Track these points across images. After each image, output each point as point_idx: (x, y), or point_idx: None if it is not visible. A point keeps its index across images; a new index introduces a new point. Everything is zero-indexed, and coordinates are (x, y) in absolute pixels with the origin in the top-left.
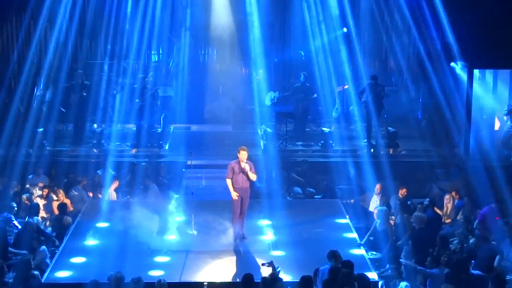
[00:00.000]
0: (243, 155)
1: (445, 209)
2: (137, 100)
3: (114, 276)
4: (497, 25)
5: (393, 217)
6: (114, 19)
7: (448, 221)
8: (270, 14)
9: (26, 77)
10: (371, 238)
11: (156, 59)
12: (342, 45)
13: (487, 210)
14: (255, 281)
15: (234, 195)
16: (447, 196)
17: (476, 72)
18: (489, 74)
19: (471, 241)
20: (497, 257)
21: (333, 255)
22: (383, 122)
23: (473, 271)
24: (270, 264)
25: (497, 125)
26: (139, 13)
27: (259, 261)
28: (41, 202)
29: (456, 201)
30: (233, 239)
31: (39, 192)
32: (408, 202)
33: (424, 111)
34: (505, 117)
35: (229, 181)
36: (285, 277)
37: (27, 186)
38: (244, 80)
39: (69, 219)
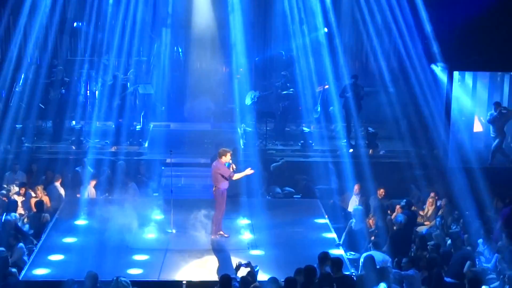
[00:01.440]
0: (228, 156)
1: (426, 210)
2: (117, 101)
3: (88, 275)
4: (477, 28)
5: (371, 217)
6: (95, 16)
7: (427, 223)
8: (251, 13)
9: (5, 73)
10: (347, 237)
11: (137, 57)
12: (323, 45)
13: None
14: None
15: (250, 171)
16: (430, 199)
17: (456, 74)
18: (468, 76)
19: (448, 242)
20: (467, 263)
21: (324, 257)
22: (363, 123)
23: (446, 278)
24: (248, 264)
25: (476, 127)
26: (121, 10)
27: (238, 261)
28: (19, 199)
29: (435, 202)
30: (214, 237)
31: (17, 189)
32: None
33: (403, 112)
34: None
35: (237, 175)
36: (264, 276)
37: (5, 183)
38: (224, 79)
39: (47, 216)
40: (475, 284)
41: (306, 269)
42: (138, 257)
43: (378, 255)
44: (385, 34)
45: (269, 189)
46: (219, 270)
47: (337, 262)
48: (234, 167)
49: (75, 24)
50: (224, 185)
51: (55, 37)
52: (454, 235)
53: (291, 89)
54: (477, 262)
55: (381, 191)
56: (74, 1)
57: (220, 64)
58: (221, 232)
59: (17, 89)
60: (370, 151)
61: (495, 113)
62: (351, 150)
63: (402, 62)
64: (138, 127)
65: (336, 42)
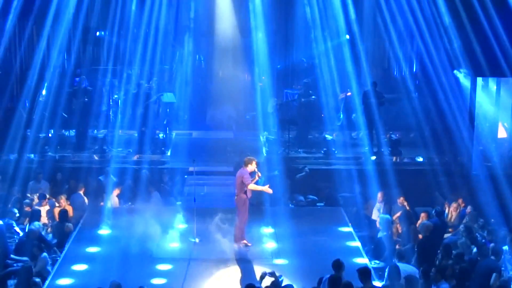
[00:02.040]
0: (254, 165)
1: (449, 217)
2: (141, 109)
3: (111, 284)
4: (500, 34)
5: (397, 225)
6: (118, 25)
7: (450, 230)
8: (273, 20)
9: (29, 83)
10: (373, 246)
11: (159, 65)
12: (346, 52)
13: None
14: None
15: (269, 189)
16: (454, 205)
17: (479, 80)
18: (492, 82)
19: (474, 250)
20: (493, 275)
21: (338, 265)
22: (386, 130)
23: None
24: (272, 274)
25: (501, 133)
26: (143, 19)
27: (262, 270)
28: (43, 209)
29: (460, 209)
30: (237, 246)
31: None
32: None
33: (427, 118)
34: None
35: (253, 185)
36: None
37: (28, 193)
38: (246, 86)
39: (70, 226)
40: None
41: (331, 278)
42: (162, 267)
43: (403, 266)
44: (407, 40)
45: (292, 197)
46: (242, 280)
47: (364, 271)
48: (260, 175)
49: (98, 33)
50: (247, 193)
51: (78, 46)
52: (479, 243)
53: (313, 96)
54: (503, 271)
55: (401, 199)
56: (97, 10)
57: (242, 71)
58: (245, 241)
59: (40, 99)
60: (394, 158)
61: None
62: (373, 158)
63: (425, 68)
64: (161, 135)
65: (358, 48)
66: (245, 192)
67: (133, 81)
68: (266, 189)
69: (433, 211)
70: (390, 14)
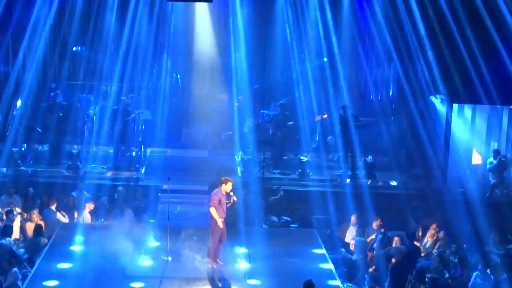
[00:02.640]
0: (230, 186)
1: (425, 240)
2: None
3: None
4: (478, 61)
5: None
6: (96, 41)
7: (423, 254)
8: (252, 41)
9: (4, 97)
10: (345, 268)
11: (136, 82)
12: (323, 74)
13: None
14: None
15: (221, 223)
16: (431, 230)
17: (455, 106)
18: (467, 108)
19: (446, 276)
20: None
21: (309, 285)
22: (361, 153)
23: None
24: None
25: (475, 159)
26: (122, 35)
27: None
28: (15, 224)
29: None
30: (210, 265)
31: (19, 210)
32: (388, 234)
33: (402, 142)
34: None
35: (214, 210)
36: None
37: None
38: (223, 106)
39: (45, 240)
40: None
41: None
42: (134, 285)
43: None
44: (385, 64)
45: (265, 218)
46: None
47: None
48: (235, 199)
49: (74, 48)
50: (220, 214)
51: (55, 60)
52: (451, 268)
53: (291, 122)
54: None
55: (378, 222)
56: (75, 25)
57: (219, 91)
58: (218, 260)
59: (15, 113)
60: (368, 181)
61: (495, 162)
62: (348, 180)
63: (402, 92)
64: (133, 153)
65: (336, 70)
66: (219, 212)
67: (110, 97)
68: (219, 222)
69: (406, 235)
70: (369, 38)
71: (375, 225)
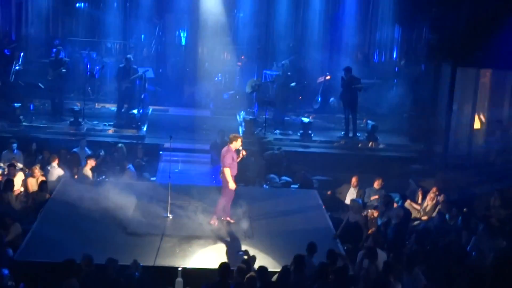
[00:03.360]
0: (239, 142)
1: (425, 204)
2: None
3: (83, 257)
4: (481, 23)
5: (370, 210)
6: None
7: (425, 218)
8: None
9: (6, 52)
10: (344, 230)
11: (139, 40)
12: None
13: None
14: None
15: (233, 184)
16: (431, 194)
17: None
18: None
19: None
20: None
21: (311, 248)
22: (363, 115)
23: None
24: (245, 253)
25: (476, 124)
26: None
27: (235, 249)
28: (18, 178)
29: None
30: (214, 223)
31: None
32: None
33: (404, 105)
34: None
35: (228, 171)
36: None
37: (1, 162)
38: (226, 65)
39: (47, 196)
40: None
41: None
42: (134, 241)
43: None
44: (389, 26)
45: (266, 178)
46: (215, 257)
47: (333, 254)
48: (244, 153)
49: (77, 4)
50: (232, 172)
51: (57, 17)
52: (450, 231)
53: (293, 83)
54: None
55: (380, 181)
56: None
57: (222, 50)
58: (228, 218)
59: (17, 68)
60: (370, 143)
61: None
62: (348, 142)
63: (406, 55)
64: (136, 111)
65: (340, 31)
66: (232, 170)
67: (113, 55)
68: (232, 184)
69: (398, 198)
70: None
71: (376, 184)
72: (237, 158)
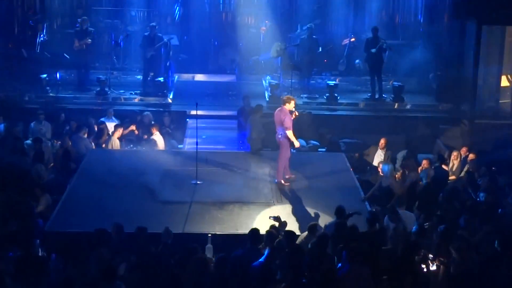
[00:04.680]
0: (292, 103)
1: (451, 165)
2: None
3: (114, 226)
4: None
5: (399, 172)
6: None
7: (452, 177)
8: None
9: (30, 23)
10: (376, 193)
11: (162, 7)
12: None
13: None
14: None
15: (298, 143)
16: (454, 153)
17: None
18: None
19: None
20: None
21: (339, 211)
22: (389, 77)
23: None
24: (277, 218)
25: (503, 82)
26: None
27: (264, 214)
28: (46, 149)
29: (462, 157)
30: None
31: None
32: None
33: (431, 66)
34: None
35: (291, 132)
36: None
37: (30, 133)
38: (250, 30)
39: (73, 165)
40: None
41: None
42: (163, 209)
43: (403, 212)
44: None
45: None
46: (244, 224)
47: (373, 216)
48: (297, 113)
49: None
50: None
51: None
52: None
53: (319, 49)
54: None
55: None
56: None
57: (245, 15)
58: (290, 175)
59: (42, 39)
60: (396, 104)
61: None
62: (370, 104)
63: (430, 15)
64: (161, 79)
65: None
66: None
67: (137, 23)
68: (296, 142)
69: (435, 158)
70: None
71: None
72: (291, 118)
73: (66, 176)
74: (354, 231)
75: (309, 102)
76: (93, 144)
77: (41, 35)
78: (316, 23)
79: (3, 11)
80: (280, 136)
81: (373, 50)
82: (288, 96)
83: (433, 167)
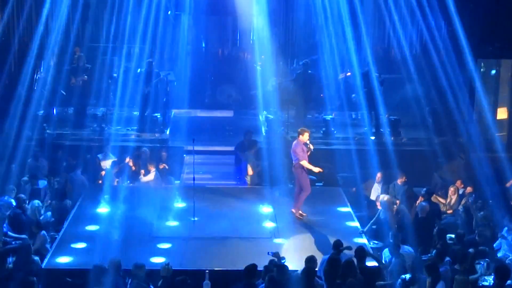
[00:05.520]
0: (307, 135)
1: (448, 199)
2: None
3: (111, 262)
4: (501, 15)
5: (395, 205)
6: (118, 2)
7: (450, 211)
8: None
9: (28, 60)
10: (374, 226)
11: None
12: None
13: None
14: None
15: (317, 169)
16: (451, 188)
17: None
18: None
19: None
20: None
21: (337, 245)
22: (385, 110)
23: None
24: (276, 254)
25: (500, 114)
26: None
27: (263, 249)
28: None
29: (460, 191)
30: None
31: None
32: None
33: (427, 99)
34: None
35: (305, 162)
36: (288, 265)
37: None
38: (246, 65)
39: (69, 203)
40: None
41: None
42: (161, 245)
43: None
44: (408, 20)
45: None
46: (242, 259)
47: (361, 251)
48: (312, 147)
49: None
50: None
51: (77, 23)
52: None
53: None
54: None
55: (403, 179)
56: None
57: (241, 50)
58: (300, 211)
59: (38, 76)
60: (393, 138)
61: None
62: (373, 138)
63: (426, 48)
64: (158, 115)
65: (359, 28)
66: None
67: (134, 59)
68: (316, 169)
69: (424, 191)
70: None
71: (399, 181)
72: (306, 150)
73: (62, 213)
74: (351, 266)
75: None
76: (89, 180)
77: (38, 72)
78: (312, 58)
79: (0, 48)
80: (294, 168)
81: (365, 90)
82: (302, 128)
83: (428, 202)
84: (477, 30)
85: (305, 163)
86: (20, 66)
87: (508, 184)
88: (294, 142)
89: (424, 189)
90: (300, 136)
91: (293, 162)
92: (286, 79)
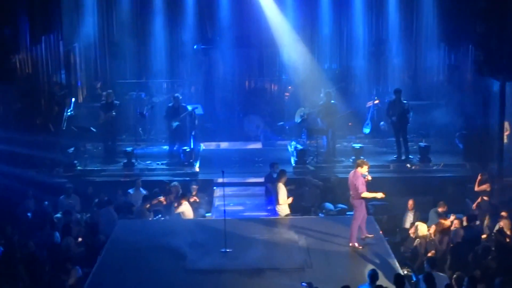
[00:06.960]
0: (366, 168)
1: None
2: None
3: None
4: None
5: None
6: (142, 38)
7: (484, 236)
8: (300, 30)
9: (57, 99)
10: (407, 254)
11: (185, 77)
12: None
13: None
14: None
15: (380, 195)
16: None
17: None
18: None
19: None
20: None
21: (373, 275)
22: (414, 137)
23: None
24: (309, 284)
25: None
26: (167, 31)
27: (296, 279)
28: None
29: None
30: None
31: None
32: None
33: (456, 125)
34: None
35: (366, 193)
36: None
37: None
38: (273, 96)
39: (102, 238)
40: None
41: None
42: (193, 278)
43: (435, 274)
44: (433, 46)
45: (321, 207)
46: None
47: (398, 279)
48: (370, 178)
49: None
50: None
51: (104, 61)
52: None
53: (332, 101)
54: None
55: (444, 208)
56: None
57: (268, 82)
58: (366, 235)
59: (68, 113)
60: (423, 165)
61: None
62: (408, 165)
63: (452, 74)
64: (187, 148)
65: (386, 55)
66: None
67: (162, 94)
68: (380, 194)
69: (465, 218)
70: (417, 19)
71: (441, 210)
72: (364, 181)
73: (95, 249)
74: None
75: (335, 166)
76: (121, 216)
77: (68, 110)
78: (340, 86)
79: (30, 87)
80: (353, 200)
81: (394, 119)
82: (362, 160)
83: (462, 227)
84: (504, 53)
85: (367, 194)
86: (50, 104)
87: None
88: (352, 174)
89: (466, 215)
90: (359, 168)
91: (351, 193)
92: (314, 109)
